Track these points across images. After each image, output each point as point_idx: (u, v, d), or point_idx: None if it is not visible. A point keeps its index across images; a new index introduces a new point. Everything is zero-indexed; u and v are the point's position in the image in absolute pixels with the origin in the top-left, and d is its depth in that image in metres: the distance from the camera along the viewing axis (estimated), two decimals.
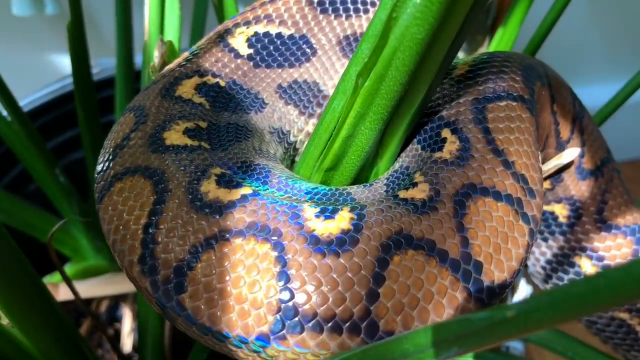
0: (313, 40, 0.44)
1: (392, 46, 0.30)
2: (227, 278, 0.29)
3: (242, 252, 0.30)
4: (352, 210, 0.32)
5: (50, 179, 0.73)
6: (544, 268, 0.52)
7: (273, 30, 0.43)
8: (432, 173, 0.34)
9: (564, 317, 0.20)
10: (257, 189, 0.33)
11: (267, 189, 0.34)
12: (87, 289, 0.73)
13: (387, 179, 0.36)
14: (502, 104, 0.36)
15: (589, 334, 0.56)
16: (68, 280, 0.57)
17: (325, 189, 0.35)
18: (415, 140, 0.38)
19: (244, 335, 0.29)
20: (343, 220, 0.31)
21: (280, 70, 0.43)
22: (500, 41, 0.56)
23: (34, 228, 0.73)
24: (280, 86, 0.43)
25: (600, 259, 0.48)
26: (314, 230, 0.30)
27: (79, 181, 0.81)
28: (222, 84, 0.41)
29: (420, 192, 0.32)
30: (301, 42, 0.44)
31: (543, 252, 0.52)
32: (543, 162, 0.46)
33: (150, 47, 0.54)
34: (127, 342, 0.76)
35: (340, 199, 0.34)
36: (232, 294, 0.29)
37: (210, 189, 0.32)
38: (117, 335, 0.77)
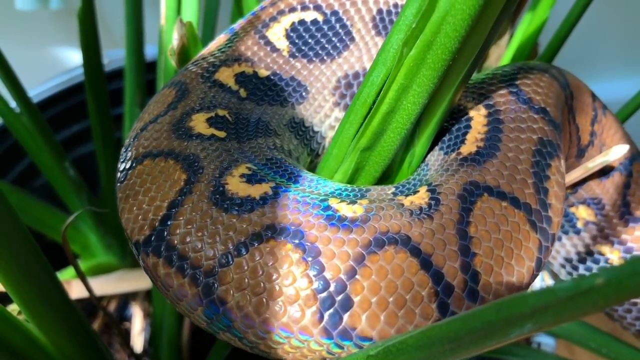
0: None
1: (443, 10, 0.29)
2: (138, 188, 0.33)
3: (158, 171, 0.33)
4: (275, 187, 0.32)
5: (59, 173, 0.71)
6: (568, 265, 0.51)
7: None
8: (378, 206, 0.32)
9: None
10: (225, 136, 0.36)
11: (236, 141, 0.36)
12: (98, 286, 0.71)
13: (341, 186, 0.35)
14: (504, 203, 0.32)
15: (622, 330, 0.55)
16: (82, 276, 0.55)
17: (285, 164, 0.36)
18: (393, 187, 0.36)
19: (131, 236, 0.32)
20: (260, 190, 0.32)
21: None
22: (528, 26, 0.55)
23: (42, 224, 0.71)
24: (379, 11, 0.43)
25: (629, 250, 0.47)
26: (225, 184, 0.32)
27: (89, 175, 0.79)
28: (321, 18, 0.43)
29: (351, 210, 0.31)
30: None
31: (568, 250, 0.50)
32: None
33: (168, 31, 0.53)
34: (138, 342, 0.74)
35: (284, 176, 0.35)
36: (137, 200, 0.33)
37: (196, 120, 0.36)
38: (127, 334, 0.75)
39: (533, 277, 0.32)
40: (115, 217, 0.44)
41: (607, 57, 1.18)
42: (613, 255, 0.48)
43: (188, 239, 0.30)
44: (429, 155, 0.38)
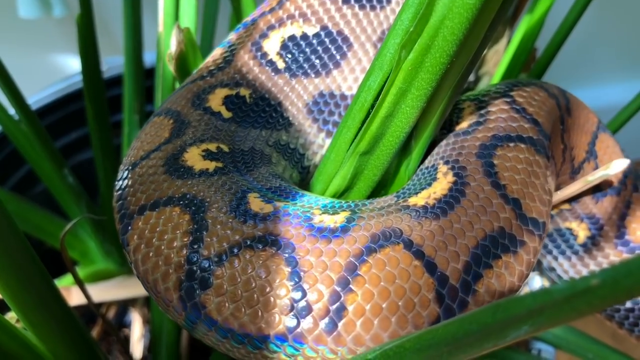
0: None
1: (440, 13, 0.29)
2: (138, 139, 0.39)
3: (155, 127, 0.39)
4: (218, 168, 0.35)
5: (58, 180, 0.71)
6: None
7: None
8: (286, 210, 0.33)
9: None
10: (230, 117, 0.40)
11: (237, 125, 0.40)
12: (97, 293, 0.71)
13: (281, 186, 0.36)
14: (415, 262, 0.30)
15: (619, 341, 0.55)
16: (81, 283, 0.55)
17: (253, 157, 0.39)
18: (329, 200, 0.36)
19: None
20: (205, 165, 0.35)
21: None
22: (525, 31, 0.55)
23: (41, 231, 0.71)
24: None
25: (594, 219, 0.47)
26: (185, 152, 0.36)
27: (88, 182, 0.79)
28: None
29: (259, 207, 0.32)
30: None
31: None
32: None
33: (166, 37, 0.53)
34: (137, 348, 0.74)
35: (241, 163, 0.37)
36: (134, 147, 0.38)
37: (215, 102, 0.40)
38: (126, 341, 0.75)
39: None
40: (114, 223, 0.44)
41: (604, 61, 1.19)
42: (580, 229, 0.48)
43: (134, 187, 0.34)
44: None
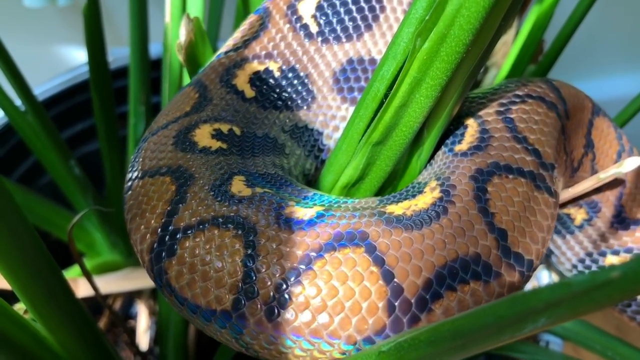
0: None
1: (457, 2, 0.28)
2: (164, 110, 0.41)
3: (179, 98, 0.41)
4: (221, 148, 0.37)
5: (64, 171, 0.71)
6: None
7: None
8: (262, 197, 0.33)
9: None
10: (252, 96, 0.41)
11: (258, 106, 0.41)
12: (103, 284, 0.71)
13: (270, 173, 0.37)
14: (373, 268, 0.30)
15: (624, 332, 0.55)
16: (88, 275, 0.55)
17: (258, 140, 0.40)
18: (312, 192, 0.37)
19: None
20: (211, 143, 0.37)
21: None
22: (535, 19, 0.54)
23: (47, 222, 0.71)
24: None
25: (594, 205, 0.48)
26: (197, 128, 0.38)
27: (94, 173, 0.79)
28: None
29: (237, 191, 0.34)
30: None
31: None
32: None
33: (173, 28, 0.53)
34: (143, 340, 0.74)
35: (243, 148, 0.38)
36: (160, 117, 0.40)
37: (241, 79, 0.41)
38: (132, 332, 0.75)
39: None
40: (121, 215, 0.44)
41: (612, 54, 1.18)
42: (578, 213, 0.48)
43: (146, 153, 0.36)
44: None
